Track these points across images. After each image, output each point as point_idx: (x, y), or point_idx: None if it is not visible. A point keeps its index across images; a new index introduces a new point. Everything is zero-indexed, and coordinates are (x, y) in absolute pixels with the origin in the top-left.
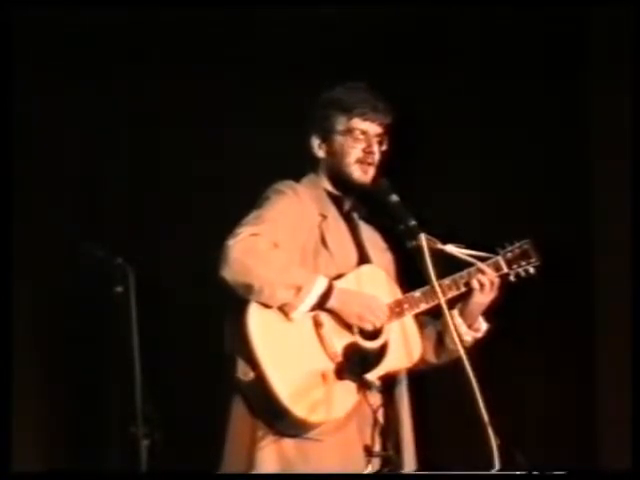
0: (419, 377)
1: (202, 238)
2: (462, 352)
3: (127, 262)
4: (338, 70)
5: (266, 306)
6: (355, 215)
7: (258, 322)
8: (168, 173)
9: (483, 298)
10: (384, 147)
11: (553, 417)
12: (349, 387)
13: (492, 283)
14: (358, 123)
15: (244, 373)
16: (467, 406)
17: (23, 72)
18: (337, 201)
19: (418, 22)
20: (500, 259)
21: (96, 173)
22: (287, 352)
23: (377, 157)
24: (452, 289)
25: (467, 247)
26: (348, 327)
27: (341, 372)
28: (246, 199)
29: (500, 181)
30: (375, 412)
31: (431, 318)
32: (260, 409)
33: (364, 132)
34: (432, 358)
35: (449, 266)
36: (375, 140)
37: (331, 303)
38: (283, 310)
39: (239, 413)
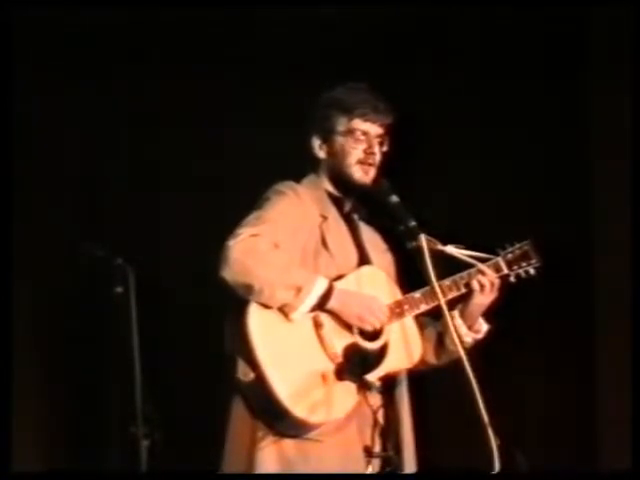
0: (419, 378)
1: (202, 238)
2: (462, 353)
3: (127, 262)
4: (338, 70)
5: (266, 307)
6: (355, 216)
7: (258, 322)
8: (168, 173)
9: (483, 299)
10: (385, 148)
11: (553, 417)
12: (349, 388)
13: (492, 284)
14: (359, 124)
15: (244, 373)
16: (467, 406)
17: (23, 72)
18: (338, 202)
19: (418, 22)
20: (500, 260)
21: (96, 173)
22: (287, 353)
23: (378, 158)
24: (452, 290)
25: (467, 248)
26: (348, 328)
27: (341, 373)
28: (246, 199)
29: (500, 181)
30: (375, 413)
31: (431, 319)
32: (260, 409)
33: (365, 133)
34: (432, 359)
35: (449, 267)
36: (376, 141)
37: (331, 304)
38: (283, 311)
39: (239, 413)
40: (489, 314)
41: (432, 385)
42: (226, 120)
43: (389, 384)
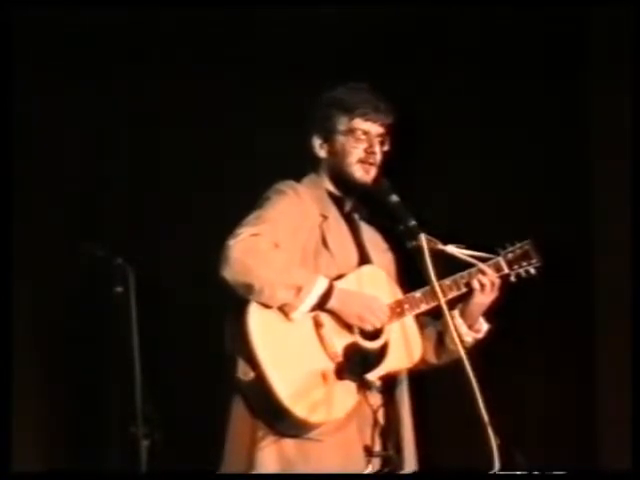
0: (419, 377)
1: (202, 238)
2: (462, 353)
3: (127, 262)
4: (338, 70)
5: (266, 306)
6: (356, 216)
7: (258, 322)
8: (168, 173)
9: (484, 299)
10: (386, 147)
11: (553, 417)
12: (349, 387)
13: (493, 284)
14: (360, 123)
15: (244, 373)
16: (467, 406)
17: (23, 72)
18: (338, 201)
19: (418, 22)
20: (501, 260)
21: (96, 173)
22: (287, 352)
23: (379, 157)
24: (453, 289)
25: (468, 248)
26: (348, 327)
27: (341, 372)
28: (246, 199)
29: (500, 181)
30: (375, 412)
31: (431, 319)
32: (260, 409)
33: (366, 132)
34: (432, 358)
35: (450, 267)
36: (377, 140)
37: (331, 303)
38: (283, 310)
39: (239, 413)
40: (489, 314)
41: (432, 385)
42: (226, 120)
43: (389, 384)
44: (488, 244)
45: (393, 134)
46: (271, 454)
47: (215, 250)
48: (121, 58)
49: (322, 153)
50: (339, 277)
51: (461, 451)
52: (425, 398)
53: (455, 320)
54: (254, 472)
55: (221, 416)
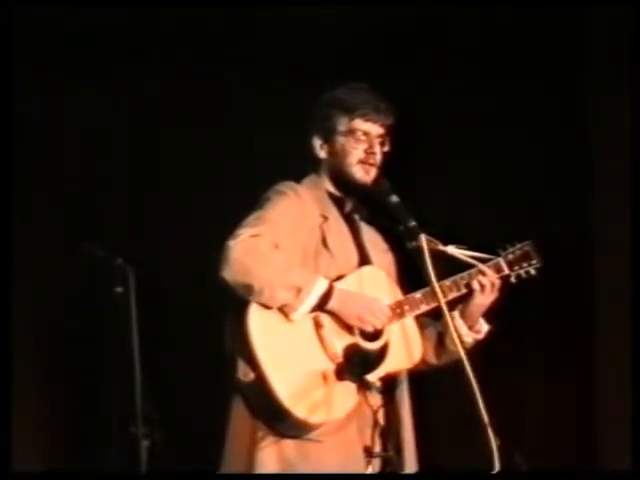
0: (419, 378)
1: (202, 238)
2: (462, 353)
3: (127, 262)
4: (338, 70)
5: (266, 307)
6: (356, 216)
7: (258, 323)
8: (168, 173)
9: (484, 299)
10: (386, 148)
11: (553, 417)
12: (349, 388)
13: (493, 284)
14: (360, 124)
15: (244, 374)
16: (467, 406)
17: (23, 72)
18: (338, 202)
19: (418, 22)
20: (501, 260)
21: (96, 173)
22: (287, 353)
23: (379, 158)
24: (453, 290)
25: (468, 248)
26: (349, 328)
27: (341, 373)
28: (246, 199)
29: (500, 181)
30: (375, 413)
31: (432, 319)
32: (260, 410)
33: (366, 133)
34: (433, 359)
35: (450, 267)
36: (377, 141)
37: (331, 304)
38: (283, 311)
39: (239, 414)
40: (490, 314)
41: (432, 385)
42: (226, 120)
43: (389, 384)
44: (488, 245)
45: (393, 134)
46: (271, 454)
47: (215, 250)
48: (121, 58)
49: (322, 154)
50: (339, 278)
51: (461, 451)
52: (425, 399)
53: (455, 321)
54: (254, 472)
55: (221, 416)
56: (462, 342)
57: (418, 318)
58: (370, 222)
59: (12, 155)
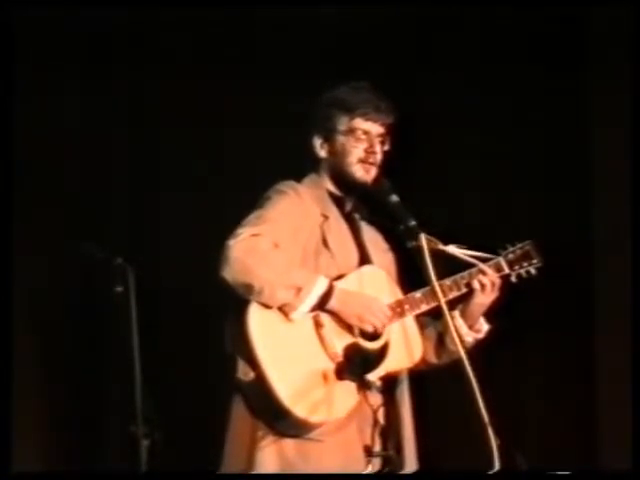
0: (419, 377)
1: (202, 238)
2: (462, 353)
3: (127, 262)
4: (338, 70)
5: (266, 306)
6: (357, 216)
7: (258, 322)
8: (168, 173)
9: (484, 299)
10: (386, 147)
11: (553, 417)
12: (349, 387)
13: (493, 284)
14: (360, 123)
15: (244, 373)
16: (467, 406)
17: (23, 72)
18: (339, 201)
19: (418, 22)
20: (501, 260)
21: (96, 173)
22: (287, 352)
23: (379, 157)
24: (453, 290)
25: (468, 248)
26: (349, 328)
27: (342, 372)
28: (246, 199)
29: (500, 181)
30: (375, 412)
31: (432, 319)
32: (260, 409)
33: (366, 132)
34: (433, 359)
35: (450, 267)
36: (377, 140)
37: (331, 304)
38: (283, 310)
39: (239, 413)
40: (490, 314)
41: (432, 385)
42: (226, 120)
43: (389, 384)
44: (488, 244)
45: (393, 134)
46: (271, 454)
47: (215, 250)
48: (121, 58)
49: (323, 153)
50: (339, 277)
51: (461, 451)
52: (425, 398)
53: (456, 320)
54: (254, 472)
55: (221, 416)
56: (462, 342)
57: (418, 318)
58: (370, 221)
59: (12, 155)
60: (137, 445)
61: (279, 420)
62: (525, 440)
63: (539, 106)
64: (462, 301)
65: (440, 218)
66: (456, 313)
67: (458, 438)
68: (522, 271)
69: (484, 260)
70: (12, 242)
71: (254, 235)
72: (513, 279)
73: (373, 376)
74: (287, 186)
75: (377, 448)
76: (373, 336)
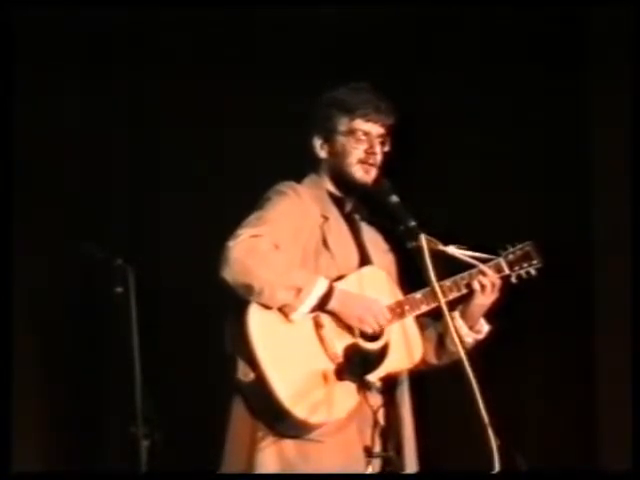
0: (420, 378)
1: (202, 238)
2: (462, 354)
3: (127, 262)
4: (338, 70)
5: (266, 307)
6: (357, 216)
7: (258, 323)
8: (168, 173)
9: (484, 299)
10: (386, 148)
11: (553, 417)
12: (349, 388)
13: (493, 284)
14: (360, 124)
15: (244, 374)
16: (467, 406)
17: (23, 72)
18: (339, 202)
19: (418, 22)
20: (502, 260)
21: (96, 173)
22: (287, 353)
23: (379, 158)
24: (453, 290)
25: (468, 248)
26: (349, 328)
27: (342, 373)
28: (246, 199)
29: (500, 181)
30: (376, 413)
31: (432, 320)
32: (260, 410)
33: (366, 133)
34: (433, 359)
35: (450, 267)
36: (377, 141)
37: (332, 305)
38: (283, 311)
39: (239, 414)
40: (490, 314)
41: (432, 385)
42: (226, 120)
43: (390, 384)
44: (488, 245)
45: (393, 134)
46: (271, 455)
47: (215, 250)
48: (121, 58)
49: (323, 153)
50: (340, 278)
51: (461, 451)
52: (425, 398)
53: (456, 321)
54: (254, 472)
55: (221, 416)
56: (462, 342)
57: (418, 318)
58: (370, 222)
59: (12, 155)
60: (137, 445)
61: (279, 421)
62: (525, 440)
63: (539, 106)
64: (462, 302)
65: (440, 218)
66: (456, 314)
67: (458, 438)
68: (522, 272)
69: (484, 261)
70: (12, 242)
71: (254, 236)
72: (513, 280)
73: (373, 377)
74: (287, 187)
75: (377, 449)
76: (373, 337)
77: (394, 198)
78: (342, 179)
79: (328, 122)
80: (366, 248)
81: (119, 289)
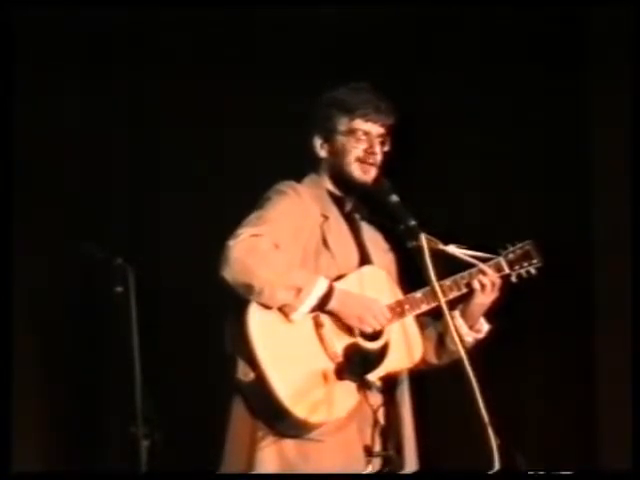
0: (420, 377)
1: (202, 238)
2: (462, 353)
3: (127, 262)
4: (338, 70)
5: (266, 307)
6: (357, 216)
7: (258, 322)
8: (168, 173)
9: (484, 299)
10: (386, 148)
11: (553, 417)
12: (349, 387)
13: (493, 284)
14: (360, 124)
15: (244, 373)
16: (467, 406)
17: (23, 72)
18: (339, 201)
19: (418, 22)
20: (502, 260)
21: (96, 173)
22: (287, 353)
23: (379, 158)
24: (453, 290)
25: (468, 248)
26: (349, 328)
27: (342, 372)
28: (246, 199)
29: (500, 181)
30: (376, 412)
31: (432, 319)
32: (260, 410)
33: (366, 133)
34: (433, 359)
35: (450, 267)
36: (377, 141)
37: (331, 305)
38: (283, 311)
39: (239, 413)
40: (490, 314)
41: (432, 385)
42: (226, 120)
43: (390, 384)
44: (488, 244)
45: (393, 134)
46: (271, 454)
47: (215, 250)
48: (121, 58)
49: (322, 153)
50: (340, 277)
51: (461, 451)
52: (425, 398)
53: (456, 320)
54: (254, 472)
55: (221, 416)
56: (462, 342)
57: (418, 318)
58: (370, 221)
59: (12, 155)
60: (137, 445)
61: (279, 420)
62: (525, 440)
63: (539, 106)
64: (462, 301)
65: (440, 218)
66: (456, 313)
67: (458, 438)
68: (522, 271)
69: (484, 260)
70: (12, 242)
71: (254, 235)
72: (513, 279)
73: (373, 376)
74: (287, 186)
75: (377, 448)
76: (373, 336)
77: (394, 198)
78: (342, 179)
79: (328, 122)
80: (366, 247)
81: (119, 289)
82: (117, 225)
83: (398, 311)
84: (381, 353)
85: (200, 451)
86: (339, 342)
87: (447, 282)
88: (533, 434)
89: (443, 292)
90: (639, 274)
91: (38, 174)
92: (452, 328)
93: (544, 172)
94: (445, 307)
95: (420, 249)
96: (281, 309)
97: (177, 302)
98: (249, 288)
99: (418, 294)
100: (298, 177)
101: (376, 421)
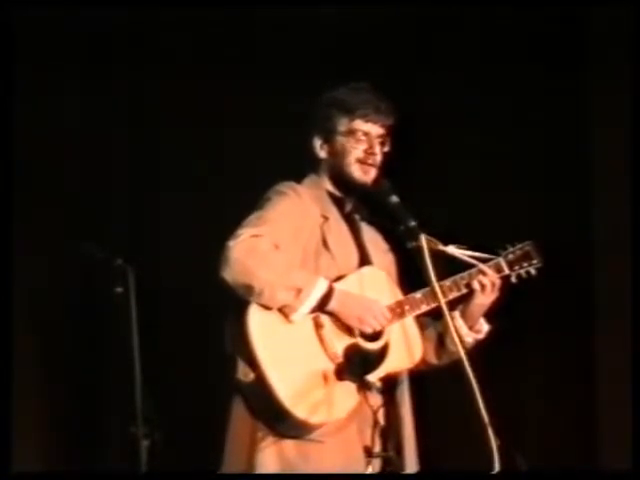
0: (420, 378)
1: (202, 238)
2: (462, 353)
3: (127, 262)
4: (338, 70)
5: (266, 307)
6: (357, 216)
7: (258, 323)
8: (168, 173)
9: (484, 299)
10: (386, 148)
11: (553, 417)
12: (349, 388)
13: (493, 284)
14: (360, 124)
15: (244, 374)
16: (467, 406)
17: (23, 72)
18: (338, 202)
19: (418, 22)
20: (501, 260)
21: (96, 173)
22: (287, 353)
23: (379, 158)
24: (453, 290)
25: (468, 248)
26: (349, 329)
27: (342, 373)
28: (246, 199)
29: (500, 181)
30: (376, 413)
31: (432, 319)
32: (260, 410)
33: (366, 133)
34: (433, 359)
35: (450, 267)
36: (377, 141)
37: (331, 305)
38: (283, 312)
39: (239, 414)
40: (490, 314)
41: (432, 385)
42: (226, 120)
43: (390, 384)
44: (488, 244)
45: (393, 134)
46: (271, 455)
47: (215, 250)
48: (121, 58)
49: (322, 153)
50: (340, 278)
51: (461, 451)
52: (425, 398)
53: (456, 321)
54: (254, 473)
55: (221, 416)
56: (462, 342)
57: (418, 318)
58: (370, 222)
59: (12, 155)
60: (137, 445)
61: (279, 421)
62: (525, 440)
63: (539, 106)
64: (462, 302)
65: (440, 218)
66: (456, 314)
67: (458, 438)
68: (522, 271)
69: (484, 260)
70: (12, 242)
71: (254, 236)
72: (513, 279)
73: (373, 377)
74: (287, 187)
75: (377, 449)
76: (373, 337)
77: (394, 198)
78: (342, 179)
79: (328, 122)
80: (366, 248)
81: (119, 289)
82: (117, 225)
83: (398, 312)
84: (381, 354)
85: (200, 451)
86: (339, 343)
87: (447, 283)
88: (533, 434)
89: (443, 293)
90: (639, 274)
91: (38, 174)
92: (452, 329)
93: (544, 172)
94: (445, 308)
95: (420, 250)
96: (281, 310)
97: (177, 302)
98: (249, 289)
99: (418, 295)
100: (298, 177)
101: (376, 422)
